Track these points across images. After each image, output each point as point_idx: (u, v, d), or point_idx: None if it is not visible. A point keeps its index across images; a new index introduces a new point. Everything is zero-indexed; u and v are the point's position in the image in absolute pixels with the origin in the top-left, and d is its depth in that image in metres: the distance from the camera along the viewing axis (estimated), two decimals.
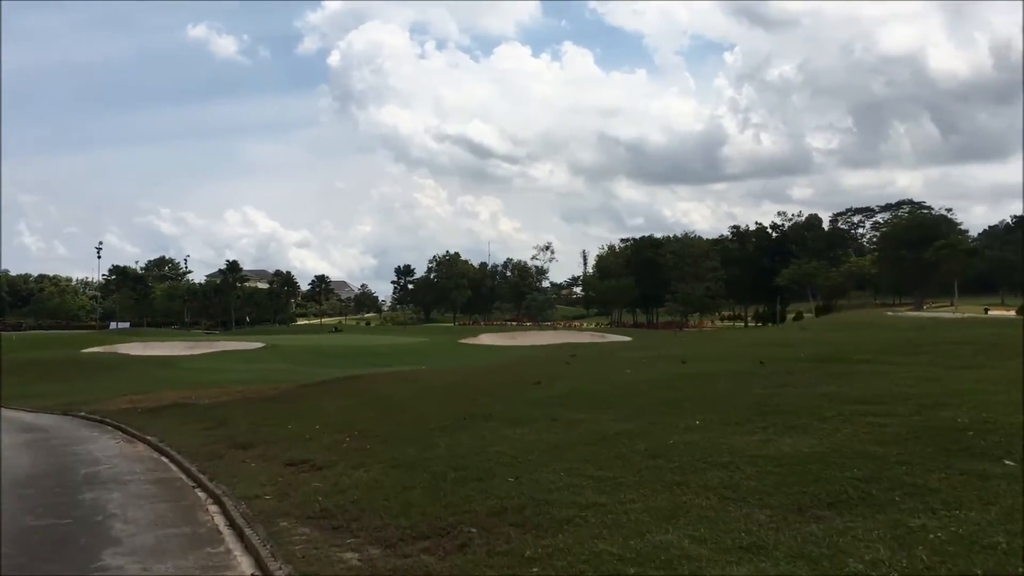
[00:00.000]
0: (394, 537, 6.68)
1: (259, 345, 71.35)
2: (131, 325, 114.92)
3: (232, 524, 8.38)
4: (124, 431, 18.16)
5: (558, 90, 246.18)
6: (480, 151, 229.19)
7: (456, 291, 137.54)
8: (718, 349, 19.55)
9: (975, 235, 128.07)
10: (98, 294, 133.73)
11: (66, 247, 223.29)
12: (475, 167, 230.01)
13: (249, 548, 7.40)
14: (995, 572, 4.59)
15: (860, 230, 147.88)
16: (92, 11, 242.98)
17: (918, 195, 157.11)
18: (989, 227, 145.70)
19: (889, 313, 66.19)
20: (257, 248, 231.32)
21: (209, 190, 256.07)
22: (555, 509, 6.62)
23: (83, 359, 55.63)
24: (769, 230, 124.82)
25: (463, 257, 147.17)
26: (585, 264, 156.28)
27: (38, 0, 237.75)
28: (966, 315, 56.41)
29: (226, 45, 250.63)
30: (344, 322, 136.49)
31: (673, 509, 6.28)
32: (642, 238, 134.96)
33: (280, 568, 6.49)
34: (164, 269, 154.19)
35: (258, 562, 6.93)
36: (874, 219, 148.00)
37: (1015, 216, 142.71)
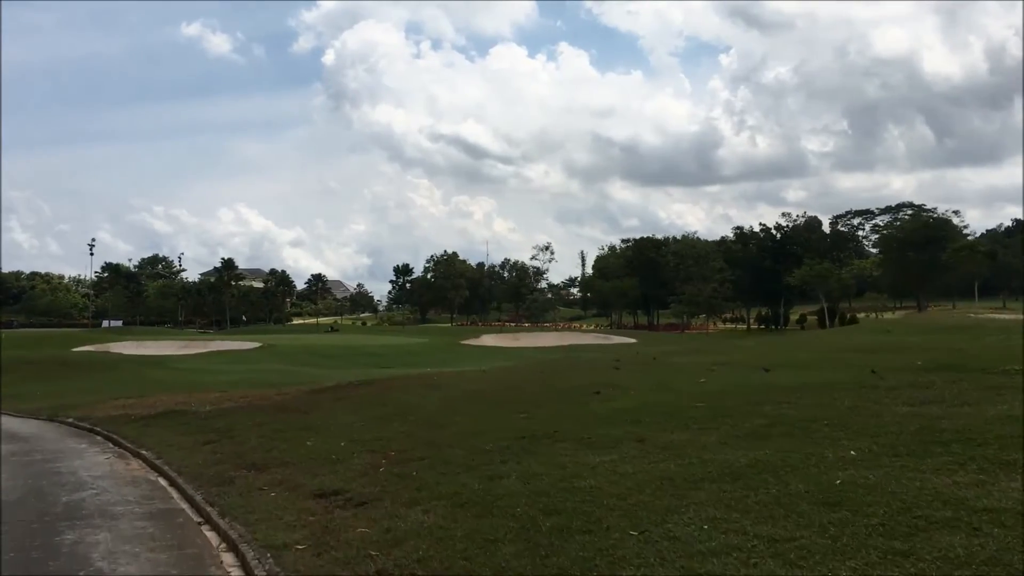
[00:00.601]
0: None
1: (255, 345, 69.20)
2: (124, 323, 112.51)
3: None
4: (115, 442, 16.13)
5: (553, 91, 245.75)
6: (475, 151, 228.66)
7: (454, 291, 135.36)
8: (787, 355, 17.56)
9: (975, 238, 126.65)
10: (90, 292, 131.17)
11: (58, 244, 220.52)
12: (469, 167, 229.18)
13: None
14: None
15: (860, 232, 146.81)
16: (86, 8, 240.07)
17: (912, 198, 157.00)
18: (987, 230, 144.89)
19: (972, 315, 63.66)
20: (250, 247, 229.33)
21: (202, 188, 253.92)
22: None
23: (74, 358, 53.46)
24: (773, 231, 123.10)
25: (459, 257, 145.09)
26: (584, 265, 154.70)
27: None
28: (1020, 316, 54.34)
29: (220, 43, 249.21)
30: (340, 322, 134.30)
31: None
32: (643, 239, 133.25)
33: None
34: (158, 267, 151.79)
35: None
36: (874, 221, 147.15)
37: (1015, 219, 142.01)
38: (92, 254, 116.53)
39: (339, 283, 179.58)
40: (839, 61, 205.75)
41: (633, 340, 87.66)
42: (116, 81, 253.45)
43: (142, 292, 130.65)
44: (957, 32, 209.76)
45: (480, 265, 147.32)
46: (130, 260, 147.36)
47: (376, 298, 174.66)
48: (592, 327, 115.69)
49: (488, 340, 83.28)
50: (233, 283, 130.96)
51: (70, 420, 20.41)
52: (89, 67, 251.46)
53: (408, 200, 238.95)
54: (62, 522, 8.70)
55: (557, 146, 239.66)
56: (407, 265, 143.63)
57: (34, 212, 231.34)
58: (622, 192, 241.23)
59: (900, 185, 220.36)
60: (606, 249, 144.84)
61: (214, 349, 66.90)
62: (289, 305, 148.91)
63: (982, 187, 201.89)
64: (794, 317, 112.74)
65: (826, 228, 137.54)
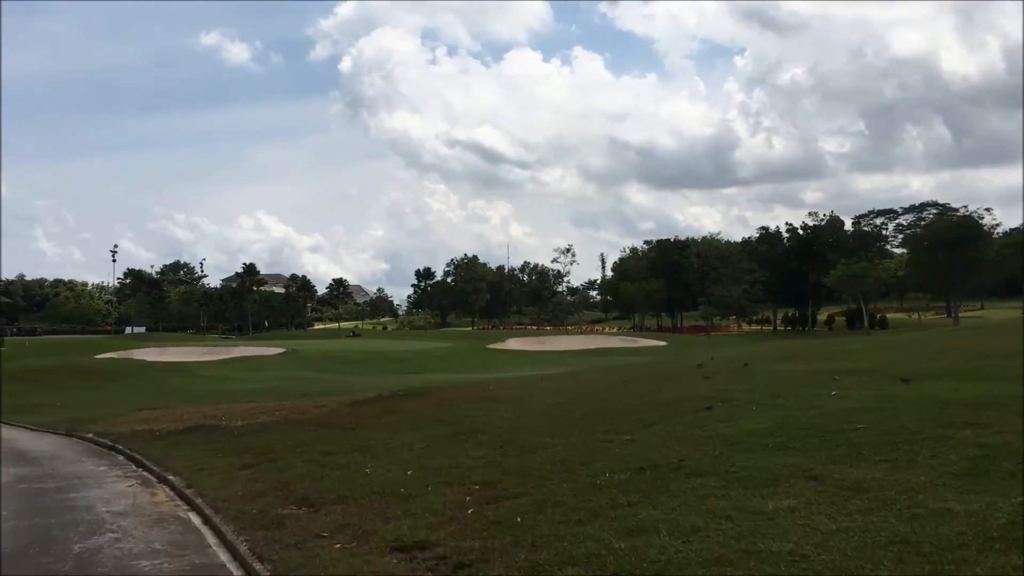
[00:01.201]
0: None
1: (279, 351, 67.55)
2: (147, 329, 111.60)
3: None
4: (139, 463, 14.32)
5: (568, 95, 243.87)
6: (491, 156, 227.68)
7: (475, 295, 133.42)
8: (901, 360, 15.34)
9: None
10: (113, 298, 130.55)
11: (81, 252, 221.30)
12: (486, 172, 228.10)
13: None
14: None
15: (884, 232, 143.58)
16: (106, 19, 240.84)
17: (930, 199, 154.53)
18: (1010, 230, 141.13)
19: None
20: (270, 253, 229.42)
21: (222, 195, 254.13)
22: None
23: (96, 366, 52.09)
24: (800, 231, 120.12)
25: (479, 261, 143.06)
26: (603, 267, 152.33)
27: (51, 1, 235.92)
28: None
29: (239, 52, 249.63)
30: (361, 326, 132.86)
31: None
32: (665, 240, 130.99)
33: None
34: (179, 273, 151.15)
35: None
36: (897, 221, 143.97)
37: None
38: (115, 261, 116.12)
39: (359, 288, 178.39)
40: (855, 62, 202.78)
41: (662, 343, 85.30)
42: (137, 90, 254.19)
43: (164, 298, 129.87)
44: (974, 32, 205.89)
45: (500, 268, 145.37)
46: (152, 267, 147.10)
47: (395, 302, 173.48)
48: (615, 330, 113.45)
49: (513, 344, 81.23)
50: (254, 288, 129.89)
51: (89, 436, 18.67)
52: (110, 77, 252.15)
53: (425, 205, 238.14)
54: None
55: (573, 150, 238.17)
56: (428, 269, 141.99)
57: (58, 221, 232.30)
58: (638, 195, 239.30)
59: (918, 186, 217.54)
60: (627, 251, 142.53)
61: (237, 355, 65.30)
62: (310, 310, 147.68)
63: (1001, 187, 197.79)
64: (821, 318, 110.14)
65: (848, 228, 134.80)
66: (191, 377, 46.16)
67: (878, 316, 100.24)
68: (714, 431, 9.56)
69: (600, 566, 5.67)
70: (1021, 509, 5.51)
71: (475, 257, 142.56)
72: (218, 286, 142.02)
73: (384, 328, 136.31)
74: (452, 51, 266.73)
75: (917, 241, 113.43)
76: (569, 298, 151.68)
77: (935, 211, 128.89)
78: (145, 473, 13.32)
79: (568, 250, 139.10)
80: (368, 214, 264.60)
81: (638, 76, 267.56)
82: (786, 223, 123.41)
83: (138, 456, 14.66)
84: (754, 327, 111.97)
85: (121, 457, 15.34)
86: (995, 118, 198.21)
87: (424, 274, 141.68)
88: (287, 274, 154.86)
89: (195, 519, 9.54)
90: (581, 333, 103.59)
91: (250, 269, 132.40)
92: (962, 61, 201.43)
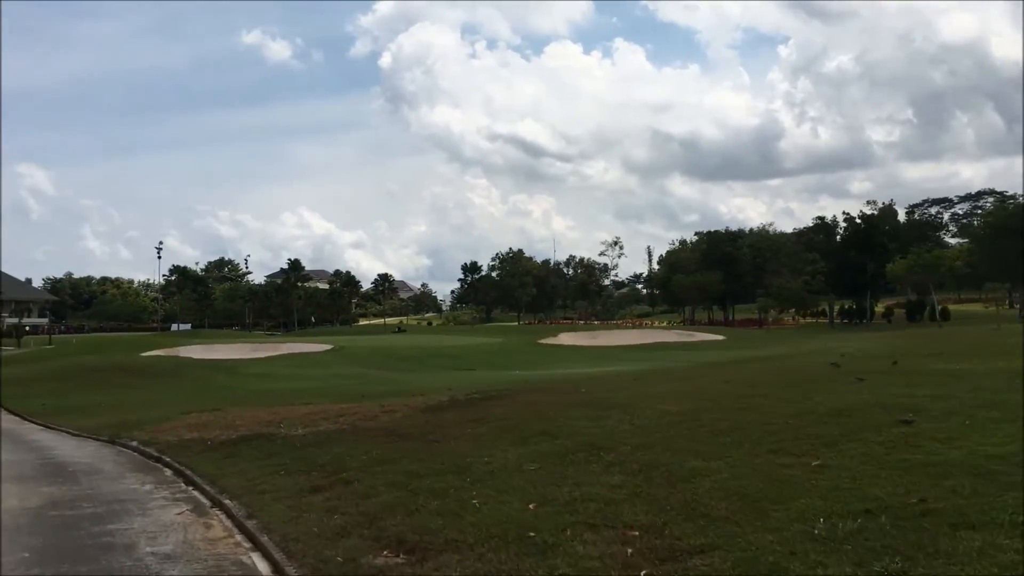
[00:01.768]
0: None
1: (326, 347, 66.22)
2: (192, 326, 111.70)
3: None
4: (188, 479, 12.39)
5: (609, 87, 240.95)
6: (532, 150, 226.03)
7: (520, 289, 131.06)
8: None
9: None
10: (159, 295, 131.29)
11: (128, 250, 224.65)
12: (527, 166, 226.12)
13: None
14: None
15: (939, 221, 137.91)
16: (150, 19, 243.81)
17: (984, 187, 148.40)
18: None
19: None
20: (313, 249, 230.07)
21: (265, 192, 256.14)
22: None
23: (142, 364, 51.13)
24: (858, 220, 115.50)
25: (524, 255, 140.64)
26: (651, 260, 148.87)
27: (96, 1, 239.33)
28: None
29: (280, 49, 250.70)
30: (406, 322, 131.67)
31: None
32: (716, 232, 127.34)
33: None
34: (224, 270, 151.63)
35: None
36: (952, 210, 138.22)
37: None
38: (160, 258, 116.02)
39: (403, 283, 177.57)
40: (904, 49, 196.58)
41: (720, 336, 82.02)
42: (180, 89, 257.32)
43: (209, 295, 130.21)
44: None
45: (545, 262, 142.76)
46: (197, 264, 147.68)
47: (439, 298, 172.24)
48: (664, 324, 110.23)
49: (566, 339, 78.88)
50: (299, 284, 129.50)
51: (134, 443, 16.91)
52: (154, 77, 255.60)
53: (467, 200, 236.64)
54: None
55: (615, 142, 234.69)
56: (475, 263, 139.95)
57: (105, 220, 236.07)
58: (682, 187, 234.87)
59: (970, 174, 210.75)
60: (676, 244, 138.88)
61: (284, 352, 64.08)
62: (355, 306, 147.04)
63: None
64: (878, 310, 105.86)
65: (902, 218, 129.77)
66: (239, 376, 44.80)
67: (939, 307, 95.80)
68: (938, 455, 7.16)
69: None
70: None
71: (520, 251, 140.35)
72: (263, 283, 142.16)
73: (429, 324, 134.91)
74: (492, 45, 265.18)
75: (985, 229, 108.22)
76: (617, 292, 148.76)
77: (992, 199, 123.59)
78: (196, 494, 11.36)
79: (616, 243, 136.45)
80: (410, 209, 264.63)
81: (680, 67, 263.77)
82: (843, 212, 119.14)
83: (187, 472, 12.73)
84: (808, 320, 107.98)
85: (169, 472, 13.44)
86: None
87: (470, 268, 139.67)
88: (330, 270, 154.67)
89: (262, 567, 7.45)
90: (634, 327, 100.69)
91: (295, 265, 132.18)
92: (1014, 46, 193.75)
